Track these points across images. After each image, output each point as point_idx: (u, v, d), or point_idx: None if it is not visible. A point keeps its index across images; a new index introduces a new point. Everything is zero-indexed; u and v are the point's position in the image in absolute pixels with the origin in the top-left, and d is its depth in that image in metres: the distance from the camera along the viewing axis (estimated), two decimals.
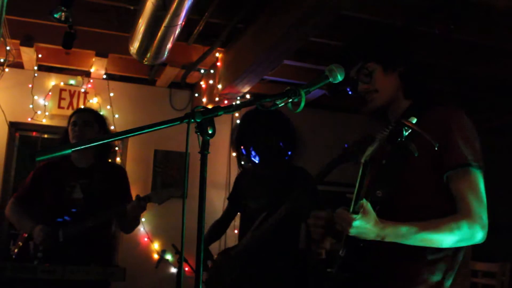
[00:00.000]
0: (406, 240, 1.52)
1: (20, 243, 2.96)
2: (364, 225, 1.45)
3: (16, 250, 2.95)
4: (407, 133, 1.39)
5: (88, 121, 3.11)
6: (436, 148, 1.41)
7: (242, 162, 3.05)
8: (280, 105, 1.49)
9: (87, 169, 3.10)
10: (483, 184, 1.61)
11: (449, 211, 1.58)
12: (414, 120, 1.42)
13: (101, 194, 3.04)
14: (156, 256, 5.08)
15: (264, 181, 2.93)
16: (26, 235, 2.96)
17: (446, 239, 1.54)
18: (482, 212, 1.56)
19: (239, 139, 3.02)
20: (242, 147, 2.99)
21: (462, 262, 1.64)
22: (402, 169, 1.63)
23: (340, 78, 1.58)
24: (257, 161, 2.97)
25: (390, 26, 1.85)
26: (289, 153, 2.96)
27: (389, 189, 1.61)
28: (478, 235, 1.55)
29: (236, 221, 3.28)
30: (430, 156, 1.59)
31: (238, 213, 3.21)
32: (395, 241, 1.51)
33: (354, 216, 1.44)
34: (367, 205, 1.45)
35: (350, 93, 1.84)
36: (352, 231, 1.46)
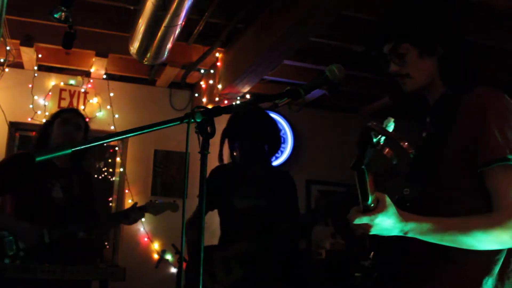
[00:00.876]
0: (430, 238, 1.35)
1: None
2: (384, 221, 1.27)
3: None
4: (377, 138, 1.16)
5: (79, 125, 3.08)
6: (411, 156, 1.23)
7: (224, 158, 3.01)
8: (280, 105, 1.49)
9: (66, 169, 3.05)
10: None
11: (483, 206, 1.41)
12: (391, 123, 1.22)
13: (80, 196, 3.03)
14: (156, 256, 5.08)
15: (252, 181, 2.88)
16: None
17: (478, 241, 1.36)
18: None
19: (226, 134, 2.98)
20: (228, 142, 2.97)
21: (504, 266, 1.45)
22: (433, 163, 1.48)
23: (340, 77, 1.57)
24: (239, 159, 2.95)
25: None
26: (273, 156, 2.98)
27: (418, 185, 1.47)
28: None
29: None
30: (465, 146, 1.44)
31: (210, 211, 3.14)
32: (418, 238, 1.35)
33: (372, 216, 1.26)
34: (385, 198, 1.27)
35: (380, 68, 1.65)
36: (373, 230, 1.29)
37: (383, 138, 1.17)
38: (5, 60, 4.56)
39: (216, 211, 3.02)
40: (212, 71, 4.76)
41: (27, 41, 4.30)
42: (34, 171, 2.96)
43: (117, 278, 2.82)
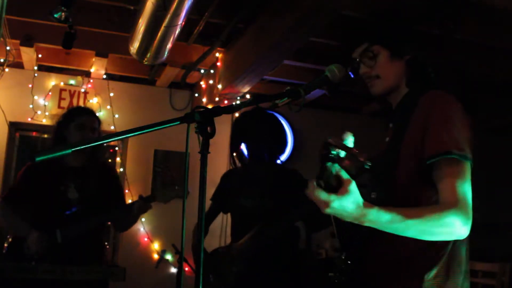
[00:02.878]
0: (387, 228, 1.39)
1: (6, 244, 2.91)
2: (343, 207, 1.29)
3: (4, 250, 2.91)
4: (336, 152, 1.26)
5: (95, 128, 3.06)
6: (366, 167, 1.27)
7: (237, 161, 3.06)
8: (280, 105, 1.49)
9: (81, 168, 3.04)
10: (469, 175, 1.47)
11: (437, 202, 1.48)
12: (349, 138, 1.27)
13: (97, 193, 3.01)
14: (156, 256, 5.08)
15: (259, 181, 2.94)
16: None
17: (429, 231, 1.40)
18: (467, 203, 1.43)
19: (234, 137, 3.03)
20: (238, 146, 3.02)
21: (450, 259, 1.52)
22: (392, 167, 1.55)
23: (340, 77, 1.58)
24: (248, 161, 3.00)
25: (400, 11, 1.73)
26: (280, 156, 3.02)
27: (382, 189, 1.53)
28: (463, 229, 1.42)
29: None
30: (415, 147, 1.52)
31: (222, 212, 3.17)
32: (374, 227, 1.38)
33: (332, 197, 1.28)
34: (350, 185, 1.29)
35: (351, 76, 1.68)
36: (328, 211, 1.30)
37: (342, 152, 1.26)
38: (5, 60, 4.56)
39: (229, 214, 3.12)
40: (212, 71, 4.76)
41: (27, 41, 4.30)
42: (48, 177, 2.97)
43: (117, 278, 2.82)
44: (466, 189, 1.44)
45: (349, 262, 1.59)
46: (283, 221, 2.74)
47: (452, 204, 1.41)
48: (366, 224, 1.36)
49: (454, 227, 1.40)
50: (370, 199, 1.47)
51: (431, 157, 1.47)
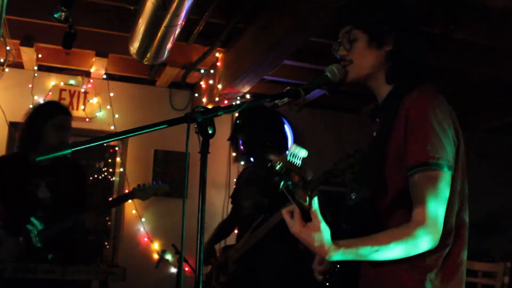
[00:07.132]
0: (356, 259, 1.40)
1: None
2: (307, 242, 1.33)
3: None
4: (280, 166, 1.27)
5: (71, 127, 3.02)
6: (310, 178, 1.28)
7: (239, 159, 3.07)
8: (280, 105, 1.49)
9: (51, 166, 2.91)
10: (444, 183, 1.41)
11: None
12: (298, 149, 1.29)
13: (69, 192, 2.93)
14: (156, 256, 5.08)
15: (257, 182, 2.95)
16: None
17: (397, 253, 1.39)
18: (436, 216, 1.39)
19: (232, 135, 3.03)
20: (235, 143, 3.03)
21: (450, 262, 1.49)
22: (375, 166, 1.52)
23: (340, 77, 1.58)
24: (252, 160, 3.01)
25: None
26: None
27: (363, 188, 1.50)
28: (430, 244, 1.40)
29: None
30: (398, 150, 1.47)
31: None
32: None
33: (301, 230, 1.33)
34: (319, 223, 1.31)
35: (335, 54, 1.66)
36: (292, 233, 1.37)
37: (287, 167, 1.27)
38: (5, 60, 4.56)
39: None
40: (212, 71, 4.76)
41: (27, 41, 4.30)
42: (15, 176, 2.88)
43: (117, 278, 2.82)
44: (436, 204, 1.39)
45: (338, 265, 1.58)
46: (270, 221, 2.71)
47: (420, 222, 1.39)
48: (334, 260, 1.37)
49: (421, 247, 1.39)
50: (351, 200, 1.49)
51: (408, 169, 1.43)
